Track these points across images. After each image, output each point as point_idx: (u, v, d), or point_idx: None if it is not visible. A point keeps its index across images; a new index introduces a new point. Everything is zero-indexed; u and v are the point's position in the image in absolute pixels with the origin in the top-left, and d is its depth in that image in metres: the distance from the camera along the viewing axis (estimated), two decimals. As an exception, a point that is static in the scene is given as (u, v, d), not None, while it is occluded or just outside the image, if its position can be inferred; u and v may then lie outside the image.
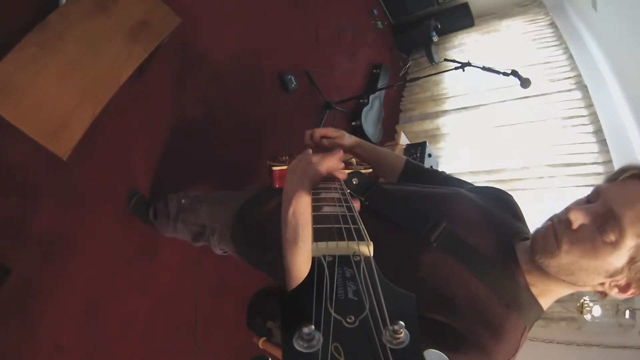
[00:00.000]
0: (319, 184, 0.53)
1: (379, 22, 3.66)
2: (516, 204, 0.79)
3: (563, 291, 0.61)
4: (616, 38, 2.56)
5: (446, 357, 0.20)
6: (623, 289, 0.57)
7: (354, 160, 0.87)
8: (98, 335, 1.39)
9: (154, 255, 1.60)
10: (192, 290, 1.71)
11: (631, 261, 0.53)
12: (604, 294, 0.60)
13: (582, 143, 2.55)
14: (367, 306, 0.22)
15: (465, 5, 3.83)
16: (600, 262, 0.54)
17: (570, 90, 2.85)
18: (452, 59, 2.23)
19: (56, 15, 1.02)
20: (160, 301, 1.59)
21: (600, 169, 2.39)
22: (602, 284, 0.57)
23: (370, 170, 0.79)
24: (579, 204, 0.58)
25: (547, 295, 0.61)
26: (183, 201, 1.23)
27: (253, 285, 1.87)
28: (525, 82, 1.89)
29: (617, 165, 2.25)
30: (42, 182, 1.31)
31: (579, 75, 2.87)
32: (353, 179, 0.68)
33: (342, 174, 0.57)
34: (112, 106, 1.22)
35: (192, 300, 1.70)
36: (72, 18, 1.04)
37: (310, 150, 0.58)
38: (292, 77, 2.38)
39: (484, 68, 2.02)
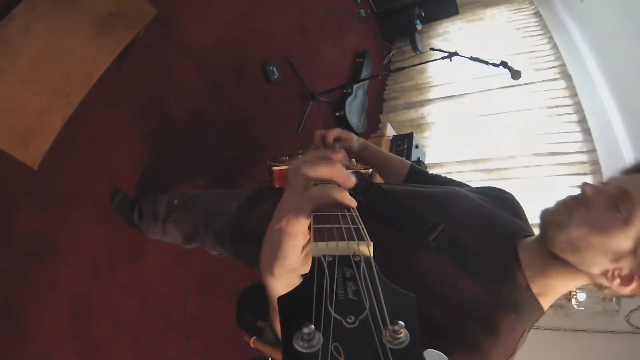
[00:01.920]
0: (319, 184, 0.51)
1: (362, 10, 3.66)
2: (517, 202, 0.80)
3: (563, 284, 0.62)
4: (601, 28, 2.64)
5: (446, 357, 0.20)
6: (626, 281, 0.57)
7: (353, 160, 0.87)
8: (87, 337, 1.38)
9: (141, 254, 1.58)
10: (181, 287, 1.70)
11: (638, 245, 0.55)
12: (604, 287, 0.60)
13: (566, 132, 2.63)
14: (367, 306, 0.22)
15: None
16: (609, 239, 0.55)
17: (554, 79, 2.93)
18: (439, 48, 2.25)
19: (21, 8, 0.95)
20: (149, 299, 1.59)
21: (584, 157, 2.47)
22: (605, 272, 0.58)
23: (370, 170, 0.80)
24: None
25: (548, 293, 0.62)
26: (175, 201, 1.20)
27: (244, 278, 1.86)
28: (515, 74, 1.91)
29: (600, 154, 2.34)
30: (18, 185, 1.27)
31: (564, 65, 2.94)
32: None
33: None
34: (90, 101, 1.18)
35: (181, 296, 1.69)
36: (39, 11, 0.97)
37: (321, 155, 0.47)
38: (275, 68, 2.35)
39: (472, 58, 2.04)
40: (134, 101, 1.64)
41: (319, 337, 0.19)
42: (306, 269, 0.33)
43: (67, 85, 1.05)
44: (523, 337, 0.59)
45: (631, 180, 0.58)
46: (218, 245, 1.04)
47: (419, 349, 0.20)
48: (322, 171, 0.38)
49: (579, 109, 2.66)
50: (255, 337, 1.17)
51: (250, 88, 2.26)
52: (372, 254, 0.28)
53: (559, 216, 0.60)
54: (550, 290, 0.62)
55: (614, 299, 1.78)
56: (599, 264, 0.57)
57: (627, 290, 0.58)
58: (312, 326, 0.20)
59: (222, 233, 1.00)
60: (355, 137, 0.91)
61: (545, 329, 1.96)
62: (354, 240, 0.29)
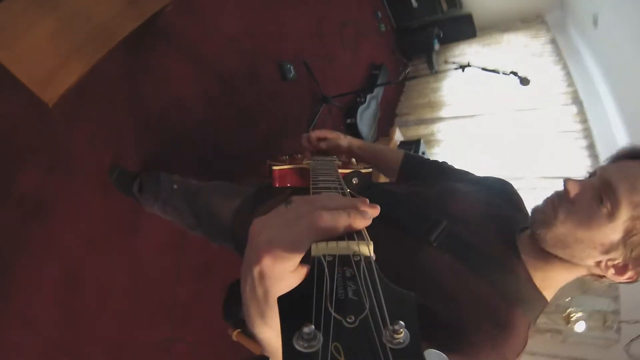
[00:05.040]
0: (319, 184, 0.51)
1: (383, 25, 3.68)
2: (516, 193, 0.80)
3: (563, 277, 0.61)
4: (614, 55, 2.61)
5: (446, 357, 0.20)
6: (620, 270, 0.56)
7: (353, 160, 0.87)
8: (71, 306, 1.34)
9: (137, 230, 1.55)
10: (174, 271, 1.65)
11: (627, 235, 0.53)
12: (600, 277, 0.60)
13: (576, 156, 2.60)
14: (367, 306, 0.22)
15: (469, 16, 3.86)
16: (595, 233, 0.54)
17: (566, 105, 2.90)
18: (453, 61, 2.27)
19: None
20: (140, 277, 1.54)
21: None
22: (599, 263, 0.57)
23: (370, 170, 0.79)
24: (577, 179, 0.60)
25: (549, 285, 0.62)
26: (175, 187, 1.20)
27: (239, 270, 1.84)
28: (524, 81, 1.93)
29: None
30: (30, 137, 1.28)
31: (576, 91, 2.92)
32: (353, 179, 0.67)
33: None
34: (106, 75, 1.19)
35: (173, 279, 1.64)
36: None
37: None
38: (291, 67, 2.37)
39: (483, 69, 2.06)
40: (148, 84, 1.65)
41: (319, 337, 0.19)
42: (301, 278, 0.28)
43: (88, 45, 1.11)
44: (530, 330, 0.58)
45: (616, 169, 0.57)
46: (219, 239, 1.03)
47: (418, 348, 0.19)
48: (342, 223, 0.28)
49: (588, 134, 2.63)
50: (239, 330, 1.15)
51: (265, 83, 2.26)
52: (372, 254, 0.27)
53: (544, 214, 0.59)
54: (551, 282, 0.62)
55: (615, 326, 1.72)
56: (590, 257, 0.57)
57: (622, 278, 0.57)
58: (312, 326, 0.19)
59: (224, 228, 0.99)
60: (342, 135, 0.90)
61: (542, 355, 1.90)
62: (354, 240, 0.28)
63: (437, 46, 3.68)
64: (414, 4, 3.73)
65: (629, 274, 0.56)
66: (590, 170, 0.62)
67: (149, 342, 1.55)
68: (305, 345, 0.19)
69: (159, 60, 1.70)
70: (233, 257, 1.71)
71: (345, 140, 0.90)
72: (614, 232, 0.53)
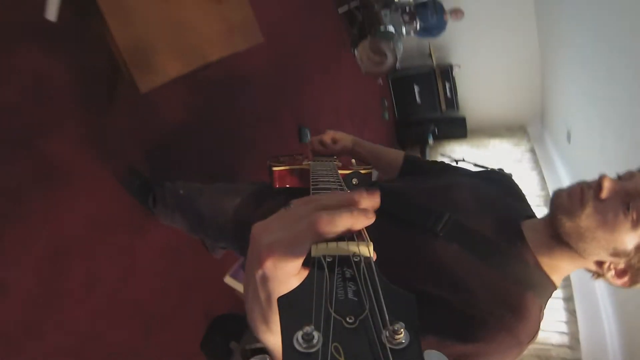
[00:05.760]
0: (319, 185, 0.51)
1: (387, 113, 4.01)
2: (516, 184, 0.79)
3: (567, 265, 0.61)
4: (583, 169, 2.85)
5: (446, 357, 0.19)
6: (620, 274, 0.57)
7: (353, 160, 0.87)
8: (52, 285, 1.24)
9: (141, 230, 1.51)
10: (165, 280, 1.58)
11: (639, 247, 0.53)
12: (599, 275, 0.60)
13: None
14: (367, 306, 0.22)
15: (463, 119, 4.26)
16: (614, 237, 0.54)
17: (539, 205, 3.10)
18: (448, 155, 2.44)
19: None
20: (129, 278, 1.46)
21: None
22: (602, 262, 0.57)
23: (370, 170, 0.78)
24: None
25: (556, 272, 0.60)
26: (181, 192, 1.20)
27: (224, 299, 1.73)
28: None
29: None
30: (76, 109, 1.32)
31: (548, 195, 3.16)
32: (353, 179, 0.67)
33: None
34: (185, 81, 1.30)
35: (161, 289, 1.56)
36: None
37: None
38: (309, 132, 2.55)
39: (475, 164, 2.20)
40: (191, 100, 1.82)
41: (318, 337, 0.19)
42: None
43: (190, 53, 1.23)
44: (541, 314, 0.57)
45: None
46: (221, 239, 1.01)
47: (418, 349, 0.19)
48: (342, 224, 0.27)
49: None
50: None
51: (283, 138, 2.41)
52: (372, 254, 0.27)
53: (572, 203, 0.58)
54: (557, 269, 0.60)
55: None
56: (598, 255, 0.57)
57: (619, 282, 0.58)
58: (312, 326, 0.19)
59: (225, 227, 0.97)
60: (344, 135, 0.92)
61: None
62: (354, 240, 0.28)
63: (431, 141, 3.97)
64: (418, 100, 4.12)
65: (625, 279, 0.57)
66: (621, 172, 0.61)
67: (116, 343, 1.41)
68: (305, 345, 0.19)
69: (207, 88, 1.89)
70: (222, 285, 1.57)
71: (347, 141, 0.91)
72: (631, 240, 0.54)
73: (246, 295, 0.30)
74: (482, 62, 3.95)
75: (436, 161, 0.95)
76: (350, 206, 0.28)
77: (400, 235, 0.63)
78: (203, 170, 1.86)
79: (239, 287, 1.35)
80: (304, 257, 0.26)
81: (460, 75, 4.02)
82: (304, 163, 0.77)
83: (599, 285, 2.39)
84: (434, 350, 0.19)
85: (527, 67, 3.81)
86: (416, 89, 4.12)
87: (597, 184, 0.57)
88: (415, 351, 0.19)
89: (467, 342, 0.50)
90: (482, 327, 0.52)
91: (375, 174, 0.91)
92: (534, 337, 0.55)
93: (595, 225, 0.56)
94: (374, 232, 0.30)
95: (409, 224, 0.64)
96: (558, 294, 2.18)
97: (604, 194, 0.56)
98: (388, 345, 0.19)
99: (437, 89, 4.03)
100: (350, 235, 0.28)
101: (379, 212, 0.53)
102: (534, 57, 3.74)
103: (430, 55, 3.87)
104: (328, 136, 0.90)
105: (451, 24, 3.33)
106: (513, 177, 0.83)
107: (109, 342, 1.38)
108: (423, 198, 0.69)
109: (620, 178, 0.60)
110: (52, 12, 1.23)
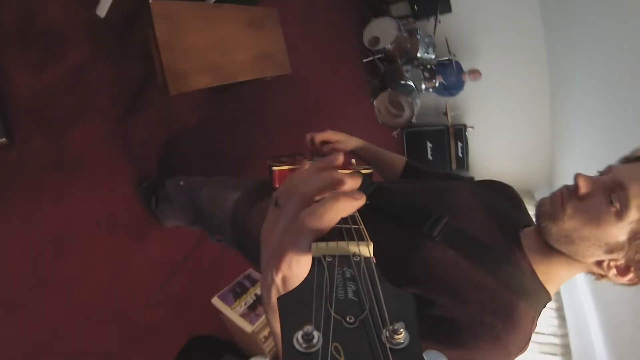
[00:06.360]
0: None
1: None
2: (517, 194, 0.78)
3: (564, 272, 0.59)
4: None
5: (446, 357, 0.19)
6: (622, 271, 0.55)
7: (353, 160, 0.87)
8: (41, 272, 1.24)
9: (142, 238, 1.53)
10: (154, 292, 1.56)
11: (633, 236, 0.52)
12: (601, 276, 0.58)
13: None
14: (367, 306, 0.21)
15: (472, 179, 4.28)
16: (601, 232, 0.53)
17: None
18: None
19: (229, 5, 1.38)
20: (119, 282, 1.45)
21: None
22: (601, 262, 0.55)
23: (370, 170, 0.78)
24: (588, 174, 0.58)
25: (552, 280, 0.60)
26: (181, 183, 1.20)
27: (208, 320, 1.69)
28: None
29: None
30: (105, 106, 1.39)
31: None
32: None
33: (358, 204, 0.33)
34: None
35: (148, 300, 1.53)
36: (235, 14, 1.38)
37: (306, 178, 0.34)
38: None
39: None
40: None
41: (318, 337, 0.19)
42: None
43: (220, 70, 1.34)
44: (534, 324, 0.56)
45: (628, 170, 0.55)
46: (219, 232, 1.00)
47: (418, 349, 0.19)
48: (319, 182, 0.29)
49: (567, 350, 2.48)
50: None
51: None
52: (372, 254, 0.27)
53: (552, 207, 0.58)
54: (553, 277, 0.60)
55: None
56: (593, 255, 0.55)
57: (624, 280, 0.56)
58: (312, 326, 0.19)
59: (223, 221, 0.97)
60: (348, 136, 0.89)
61: None
62: (354, 240, 0.28)
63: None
64: (430, 156, 4.18)
65: (631, 276, 0.55)
66: (600, 169, 0.61)
67: (89, 343, 1.38)
68: (305, 345, 0.19)
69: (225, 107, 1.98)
70: (209, 306, 1.57)
71: (350, 142, 0.89)
72: (620, 232, 0.52)
73: (266, 303, 0.31)
74: (495, 125, 4.06)
75: (438, 169, 0.95)
76: (335, 190, 0.29)
77: (396, 238, 0.62)
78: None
79: (225, 309, 1.35)
80: (310, 251, 0.27)
81: (473, 136, 4.10)
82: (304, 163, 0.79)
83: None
84: (433, 350, 0.19)
85: (538, 134, 3.90)
86: (429, 145, 4.19)
87: (575, 184, 0.57)
88: (415, 351, 0.19)
89: (453, 347, 0.49)
90: (470, 333, 0.51)
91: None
92: (524, 347, 0.53)
93: (580, 224, 0.55)
94: (370, 230, 0.30)
95: (407, 225, 0.63)
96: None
97: (581, 191, 0.56)
98: (388, 345, 0.19)
99: (450, 148, 4.10)
100: (350, 235, 0.28)
101: (376, 212, 0.52)
102: (545, 125, 3.84)
103: (445, 113, 3.99)
104: (322, 136, 0.87)
105: (469, 85, 3.46)
106: (514, 189, 0.82)
107: (81, 340, 1.35)
108: (423, 200, 0.69)
109: (601, 174, 0.60)
110: (103, 9, 1.34)
